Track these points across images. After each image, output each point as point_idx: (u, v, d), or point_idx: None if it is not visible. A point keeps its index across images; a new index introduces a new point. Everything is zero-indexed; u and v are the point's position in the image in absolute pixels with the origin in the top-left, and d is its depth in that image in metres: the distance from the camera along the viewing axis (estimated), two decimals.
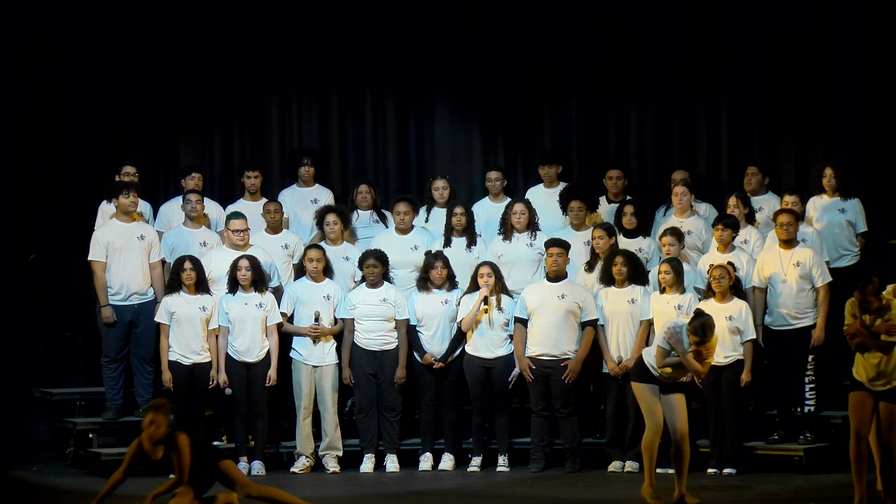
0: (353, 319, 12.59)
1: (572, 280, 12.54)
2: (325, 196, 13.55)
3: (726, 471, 11.94)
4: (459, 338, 12.58)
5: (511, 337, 12.50)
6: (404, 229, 13.03)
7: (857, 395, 10.07)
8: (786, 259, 12.19)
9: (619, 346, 12.31)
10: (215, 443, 12.72)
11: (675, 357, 10.59)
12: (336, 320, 12.63)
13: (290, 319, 12.65)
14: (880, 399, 10.00)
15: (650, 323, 12.14)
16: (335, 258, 12.83)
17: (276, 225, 13.08)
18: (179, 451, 9.60)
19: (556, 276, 12.40)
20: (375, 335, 12.58)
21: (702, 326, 10.48)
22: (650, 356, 10.72)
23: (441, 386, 12.64)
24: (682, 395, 10.74)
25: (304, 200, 13.52)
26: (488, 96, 14.57)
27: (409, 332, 12.63)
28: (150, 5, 14.14)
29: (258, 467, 12.41)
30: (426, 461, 12.63)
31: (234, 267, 12.37)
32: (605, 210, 13.30)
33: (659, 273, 12.11)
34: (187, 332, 12.37)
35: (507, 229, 12.94)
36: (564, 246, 12.43)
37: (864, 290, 9.97)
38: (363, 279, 12.68)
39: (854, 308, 10.07)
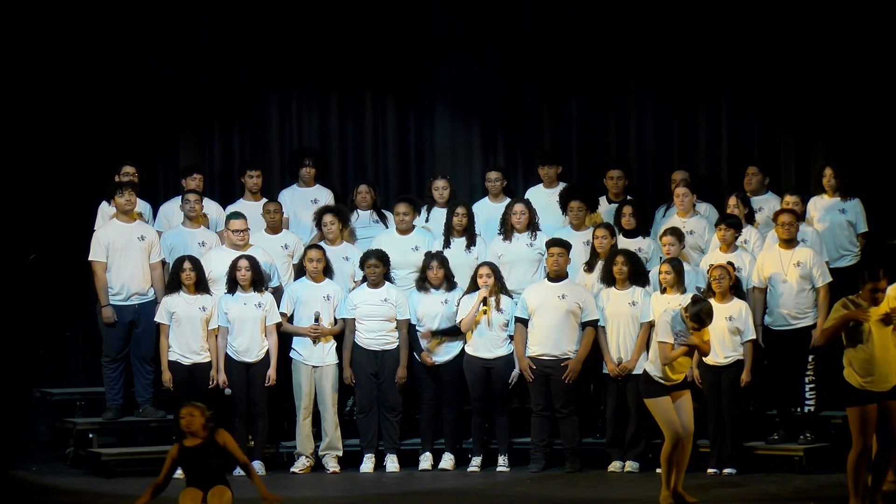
0: (353, 319, 12.59)
1: (572, 280, 12.54)
2: (325, 196, 13.55)
3: (726, 471, 11.94)
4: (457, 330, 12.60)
5: (511, 337, 12.50)
6: (405, 230, 13.03)
7: (857, 410, 9.99)
8: (786, 259, 12.19)
9: (620, 348, 12.30)
10: None
11: (681, 347, 10.58)
12: (336, 320, 12.64)
13: (290, 319, 12.65)
14: (883, 399, 9.92)
15: (651, 325, 12.13)
16: (335, 258, 12.83)
17: (276, 225, 13.08)
18: (226, 446, 9.72)
19: (557, 276, 12.40)
20: (376, 335, 12.58)
21: (700, 314, 10.52)
22: (654, 368, 10.69)
23: (441, 386, 12.65)
24: (689, 393, 10.75)
25: (304, 200, 13.52)
26: (488, 96, 14.57)
27: (410, 332, 12.64)
28: (150, 5, 14.14)
29: (258, 467, 12.37)
30: (426, 461, 12.63)
31: (234, 267, 12.37)
32: (606, 210, 13.30)
33: (660, 273, 12.11)
34: (187, 332, 12.37)
35: (507, 229, 12.94)
36: (565, 246, 12.43)
37: (877, 278, 9.87)
38: (364, 279, 12.69)
39: (848, 306, 10.00)
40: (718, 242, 12.45)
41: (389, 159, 14.64)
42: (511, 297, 12.56)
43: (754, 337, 12.03)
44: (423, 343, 12.60)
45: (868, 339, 9.91)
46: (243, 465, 9.81)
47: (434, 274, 12.59)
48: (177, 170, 13.85)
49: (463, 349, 12.61)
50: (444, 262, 12.64)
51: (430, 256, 12.68)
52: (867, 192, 13.03)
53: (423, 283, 12.68)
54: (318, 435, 12.58)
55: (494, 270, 12.51)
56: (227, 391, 12.46)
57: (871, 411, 9.88)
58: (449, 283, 12.66)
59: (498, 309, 12.47)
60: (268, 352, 12.44)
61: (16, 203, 13.98)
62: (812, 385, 12.14)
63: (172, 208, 13.35)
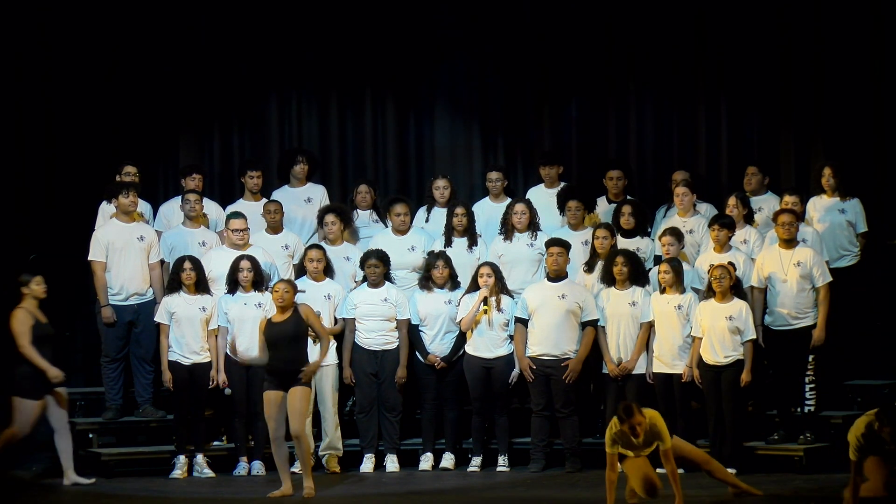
0: (353, 319, 12.59)
1: (572, 280, 12.54)
2: (318, 193, 13.56)
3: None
4: (464, 337, 12.58)
5: (511, 337, 12.50)
6: (404, 230, 13.03)
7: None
8: (786, 259, 12.19)
9: (620, 348, 12.31)
10: (215, 443, 12.72)
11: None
12: (336, 320, 12.63)
13: None
14: None
15: (651, 325, 12.16)
16: (335, 258, 12.83)
17: (276, 225, 13.08)
18: (307, 318, 11.39)
19: (557, 275, 12.40)
20: (376, 335, 12.58)
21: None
22: None
23: (442, 386, 12.65)
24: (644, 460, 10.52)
25: (297, 199, 13.52)
26: (488, 96, 14.57)
27: (412, 332, 12.64)
28: (150, 5, 14.14)
29: (258, 467, 12.41)
30: (426, 461, 12.63)
31: (235, 268, 12.36)
32: (606, 210, 13.29)
33: (658, 273, 12.12)
34: (187, 332, 12.37)
35: (507, 229, 12.94)
36: (565, 245, 12.43)
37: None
38: (364, 279, 12.69)
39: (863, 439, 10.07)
40: (712, 243, 12.44)
41: (389, 159, 14.64)
42: (511, 296, 12.56)
43: (754, 337, 12.03)
44: (421, 358, 12.63)
45: None
46: (322, 338, 11.53)
47: (440, 273, 12.58)
48: (177, 170, 13.85)
49: (463, 349, 12.61)
50: (448, 262, 12.64)
51: (435, 255, 12.68)
52: (867, 192, 13.02)
53: (426, 283, 12.68)
54: (318, 435, 12.57)
55: (495, 270, 12.52)
56: (227, 391, 12.46)
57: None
58: (453, 282, 12.66)
59: (498, 309, 12.47)
60: None
61: (16, 203, 13.97)
62: (812, 385, 12.12)
63: (172, 208, 13.35)
